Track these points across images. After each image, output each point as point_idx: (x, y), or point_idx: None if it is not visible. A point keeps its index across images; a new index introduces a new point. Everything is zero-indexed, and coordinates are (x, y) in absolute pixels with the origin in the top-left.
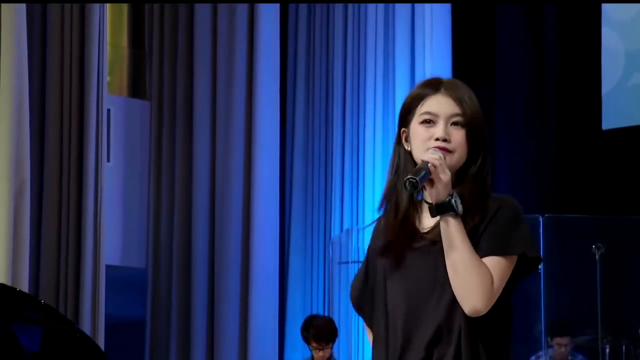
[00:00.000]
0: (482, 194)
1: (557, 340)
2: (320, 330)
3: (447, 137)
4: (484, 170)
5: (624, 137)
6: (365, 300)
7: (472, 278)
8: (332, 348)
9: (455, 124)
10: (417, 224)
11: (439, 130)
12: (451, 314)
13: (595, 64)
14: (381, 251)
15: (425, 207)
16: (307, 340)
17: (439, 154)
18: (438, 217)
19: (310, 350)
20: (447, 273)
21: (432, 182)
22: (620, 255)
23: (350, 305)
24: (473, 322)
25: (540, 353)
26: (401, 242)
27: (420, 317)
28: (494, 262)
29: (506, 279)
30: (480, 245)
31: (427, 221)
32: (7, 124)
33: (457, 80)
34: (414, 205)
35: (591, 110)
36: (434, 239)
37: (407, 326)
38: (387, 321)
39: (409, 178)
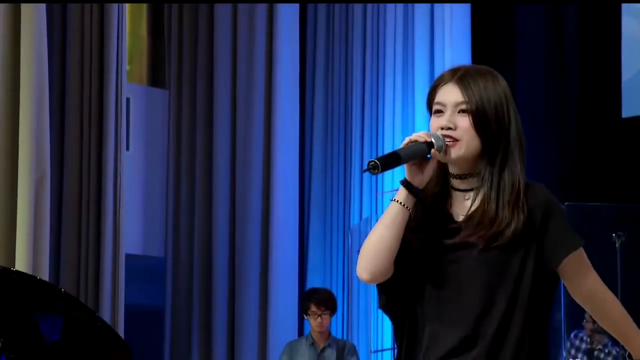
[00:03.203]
0: (517, 186)
1: (587, 315)
2: (320, 297)
3: (451, 125)
4: (509, 157)
5: None
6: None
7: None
8: (329, 321)
9: (462, 111)
10: (449, 209)
11: (443, 119)
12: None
13: (615, 52)
14: (413, 237)
15: (458, 195)
16: (306, 308)
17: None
18: (469, 206)
19: (308, 321)
20: (481, 279)
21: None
22: None
23: (370, 294)
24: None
25: (582, 330)
26: (429, 232)
27: (447, 320)
28: (582, 261)
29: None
30: (554, 249)
31: (460, 214)
32: (27, 114)
33: (476, 67)
34: (446, 194)
35: (611, 99)
36: (467, 241)
37: (436, 323)
38: (415, 314)
39: (369, 160)
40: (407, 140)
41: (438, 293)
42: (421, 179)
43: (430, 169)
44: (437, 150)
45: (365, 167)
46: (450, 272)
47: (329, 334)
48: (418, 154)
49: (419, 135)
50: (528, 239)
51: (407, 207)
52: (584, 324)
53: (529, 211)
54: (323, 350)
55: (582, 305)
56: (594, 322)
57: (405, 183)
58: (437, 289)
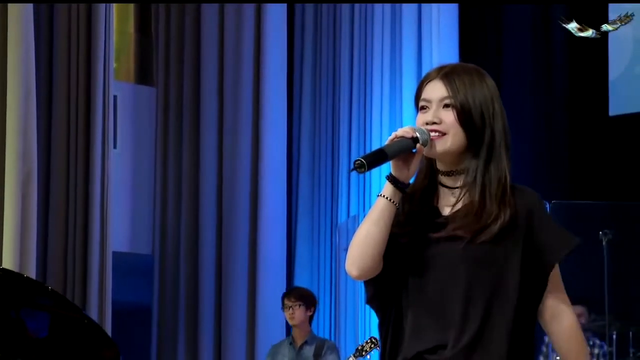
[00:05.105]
0: (503, 182)
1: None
2: (292, 289)
3: (436, 120)
4: (494, 152)
5: (631, 123)
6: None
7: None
8: (304, 315)
9: (446, 106)
10: (436, 204)
11: (429, 114)
12: (470, 317)
13: (602, 51)
14: (400, 231)
15: (445, 191)
16: (282, 305)
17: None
18: (455, 201)
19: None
20: (465, 275)
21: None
22: (627, 241)
23: (357, 291)
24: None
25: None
26: (416, 226)
27: (432, 314)
28: (558, 276)
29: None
30: (549, 250)
31: (447, 209)
32: (14, 111)
33: (463, 65)
34: (433, 189)
35: (598, 97)
36: (453, 234)
37: (419, 316)
38: (400, 307)
39: (355, 160)
40: (392, 136)
41: (423, 287)
42: (407, 174)
43: (415, 164)
44: (422, 144)
45: (351, 166)
46: (435, 265)
47: (309, 332)
48: (404, 149)
49: (405, 130)
50: (513, 235)
51: (393, 202)
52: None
53: (515, 209)
54: (301, 347)
55: (541, 319)
56: (593, 320)
57: (391, 178)
58: (422, 283)
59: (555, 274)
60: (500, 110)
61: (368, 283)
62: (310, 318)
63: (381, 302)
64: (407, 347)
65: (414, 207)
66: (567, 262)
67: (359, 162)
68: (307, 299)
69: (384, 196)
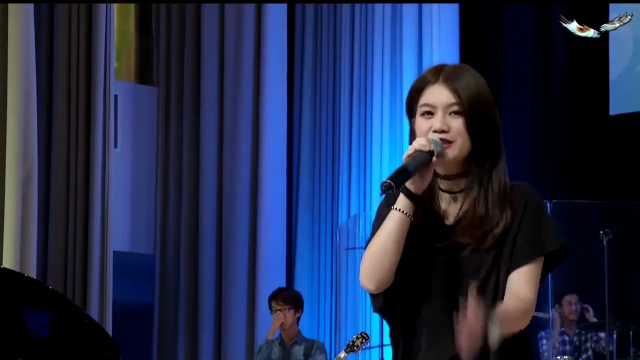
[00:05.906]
0: (503, 185)
1: (567, 298)
2: (280, 293)
3: (444, 128)
4: (498, 157)
5: (632, 122)
6: None
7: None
8: (293, 318)
9: (453, 113)
10: (439, 211)
11: (436, 121)
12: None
13: (603, 50)
14: (407, 242)
15: (446, 196)
16: (270, 307)
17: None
18: (458, 208)
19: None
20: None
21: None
22: (628, 241)
23: (358, 291)
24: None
25: (548, 330)
26: (422, 236)
27: (443, 322)
28: (530, 270)
29: (539, 278)
30: (517, 253)
31: (451, 216)
32: (15, 111)
33: (461, 66)
34: (433, 195)
35: (599, 96)
36: (458, 241)
37: (432, 326)
38: (412, 317)
39: (382, 182)
40: (411, 150)
41: (433, 296)
42: (421, 186)
43: (429, 175)
44: (436, 156)
45: (380, 190)
46: (443, 274)
47: (298, 332)
48: (423, 164)
49: (421, 144)
50: (513, 235)
51: (408, 215)
52: (559, 305)
53: (513, 210)
54: (291, 347)
55: None
56: (581, 319)
57: (406, 191)
58: (431, 291)
59: (526, 276)
60: (496, 111)
61: (377, 294)
62: (298, 319)
63: (392, 313)
64: (424, 357)
65: (417, 216)
66: (567, 261)
67: (386, 184)
68: (295, 302)
69: (398, 209)
